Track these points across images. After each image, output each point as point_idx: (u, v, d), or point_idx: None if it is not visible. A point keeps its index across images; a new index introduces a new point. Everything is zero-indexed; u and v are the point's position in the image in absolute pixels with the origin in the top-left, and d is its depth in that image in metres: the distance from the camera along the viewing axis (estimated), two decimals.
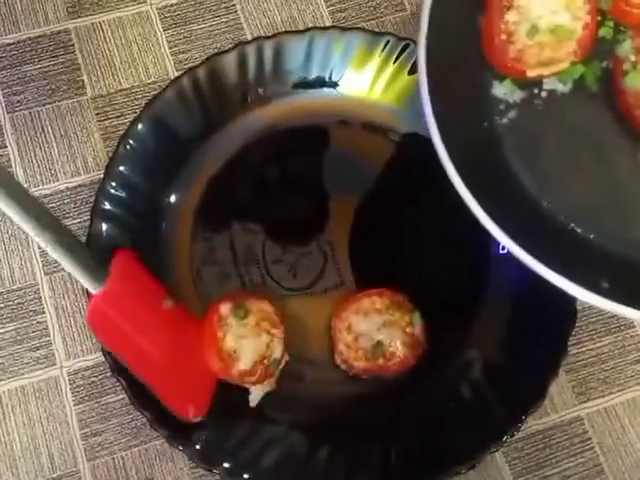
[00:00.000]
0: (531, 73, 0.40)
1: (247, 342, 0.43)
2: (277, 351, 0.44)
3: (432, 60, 0.36)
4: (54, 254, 0.36)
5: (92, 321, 0.40)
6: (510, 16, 0.40)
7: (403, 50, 0.49)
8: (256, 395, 0.44)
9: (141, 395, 0.42)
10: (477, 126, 0.40)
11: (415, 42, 0.48)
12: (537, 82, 0.41)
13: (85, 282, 0.38)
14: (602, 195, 0.39)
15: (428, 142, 0.49)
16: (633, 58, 0.39)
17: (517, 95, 0.41)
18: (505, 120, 0.40)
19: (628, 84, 0.39)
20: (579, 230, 0.38)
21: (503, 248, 0.47)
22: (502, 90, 0.41)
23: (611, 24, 0.40)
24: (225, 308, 0.44)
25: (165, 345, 0.42)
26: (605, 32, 0.40)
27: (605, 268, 0.36)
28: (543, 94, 0.41)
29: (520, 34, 0.40)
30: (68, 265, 0.37)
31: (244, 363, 0.43)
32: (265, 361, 0.43)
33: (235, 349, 0.43)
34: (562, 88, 0.41)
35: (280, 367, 0.44)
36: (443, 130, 0.35)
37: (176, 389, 0.42)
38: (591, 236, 0.38)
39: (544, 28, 0.39)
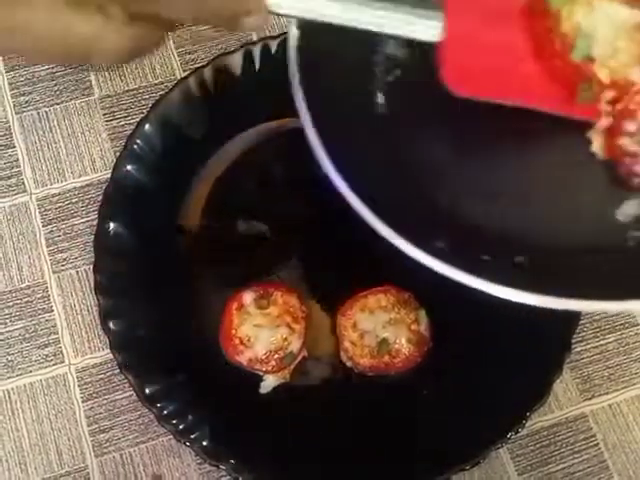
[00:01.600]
0: None
1: (264, 332, 0.44)
2: (294, 345, 0.44)
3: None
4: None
5: (452, 80, 0.33)
6: None
7: None
8: (268, 384, 0.45)
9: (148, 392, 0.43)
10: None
11: None
12: None
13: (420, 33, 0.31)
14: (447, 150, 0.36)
15: None
16: None
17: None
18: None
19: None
20: (424, 186, 0.35)
21: None
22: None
23: None
24: (248, 297, 0.45)
25: (535, 46, 0.33)
26: None
27: (443, 228, 0.34)
28: None
29: None
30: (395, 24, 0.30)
31: (256, 351, 0.44)
32: (280, 352, 0.44)
33: (250, 337, 0.44)
34: None
35: (296, 361, 0.45)
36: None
37: (565, 93, 0.34)
38: (434, 194, 0.35)
39: None
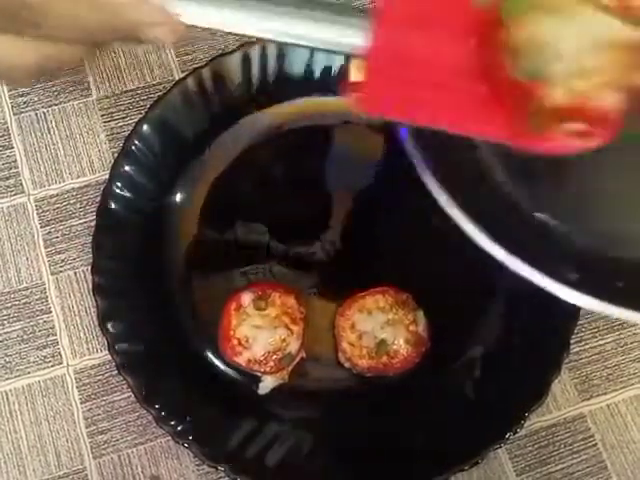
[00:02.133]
0: None
1: (262, 333, 0.44)
2: (292, 346, 0.44)
3: None
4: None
5: (367, 99, 0.29)
6: None
7: None
8: (267, 385, 0.45)
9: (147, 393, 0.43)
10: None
11: None
12: None
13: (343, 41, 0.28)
14: (572, 187, 0.36)
15: None
16: None
17: None
18: None
19: None
20: (550, 222, 0.35)
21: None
22: None
23: None
24: (247, 297, 0.45)
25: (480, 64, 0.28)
26: None
27: (573, 260, 0.34)
28: None
29: None
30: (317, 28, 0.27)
31: (254, 352, 0.44)
32: (278, 353, 0.44)
33: (248, 337, 0.44)
34: None
35: (294, 362, 0.45)
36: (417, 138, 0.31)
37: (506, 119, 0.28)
38: (561, 228, 0.35)
39: None
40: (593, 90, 0.26)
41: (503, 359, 0.45)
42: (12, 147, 0.50)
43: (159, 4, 0.26)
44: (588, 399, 0.47)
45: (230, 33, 0.28)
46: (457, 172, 0.33)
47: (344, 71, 0.29)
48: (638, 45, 0.26)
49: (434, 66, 0.28)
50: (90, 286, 0.45)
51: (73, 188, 0.50)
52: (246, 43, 0.49)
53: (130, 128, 0.48)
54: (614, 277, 0.32)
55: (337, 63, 0.49)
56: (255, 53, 0.48)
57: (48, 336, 0.47)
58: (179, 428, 0.42)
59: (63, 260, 0.48)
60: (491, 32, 0.27)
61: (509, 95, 0.27)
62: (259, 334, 0.44)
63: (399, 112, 0.29)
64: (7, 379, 0.46)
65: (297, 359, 0.45)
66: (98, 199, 0.47)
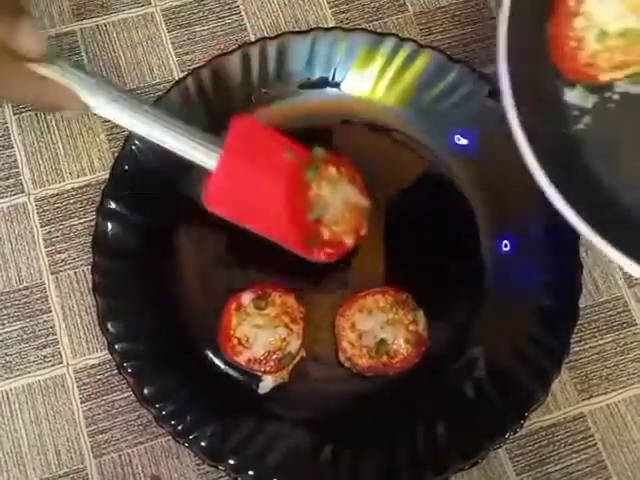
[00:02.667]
0: (603, 77, 0.40)
1: (262, 332, 0.44)
2: (293, 346, 0.44)
3: (511, 70, 0.36)
4: (165, 138, 0.41)
5: (211, 200, 0.42)
6: (578, 22, 0.39)
7: (405, 51, 0.49)
8: (267, 384, 0.45)
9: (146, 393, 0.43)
10: (554, 134, 0.40)
11: (417, 42, 0.49)
12: (609, 85, 0.41)
13: (200, 158, 0.42)
14: None
15: (431, 142, 0.50)
16: None
17: (590, 100, 0.41)
18: (581, 126, 0.41)
19: None
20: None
21: (506, 246, 0.48)
22: (575, 96, 0.41)
23: None
24: (247, 297, 0.45)
25: (288, 199, 0.43)
26: None
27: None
28: (616, 97, 0.41)
29: (589, 40, 0.39)
30: (181, 144, 0.41)
31: (254, 351, 0.44)
32: (279, 353, 0.44)
33: (248, 337, 0.44)
34: (634, 89, 0.41)
35: (294, 362, 0.45)
36: (529, 138, 0.36)
37: (298, 238, 0.44)
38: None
39: (613, 32, 0.39)
40: (341, 232, 0.45)
41: (503, 359, 0.45)
42: (12, 147, 0.50)
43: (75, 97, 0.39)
44: (588, 399, 0.47)
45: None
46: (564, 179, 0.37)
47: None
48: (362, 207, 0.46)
49: (258, 194, 0.43)
50: (90, 286, 0.45)
51: (73, 188, 0.50)
52: (245, 43, 0.49)
53: None
54: None
55: (336, 62, 0.49)
56: (254, 53, 0.49)
57: (48, 336, 0.47)
58: (179, 427, 0.43)
59: (63, 260, 0.48)
60: (297, 183, 0.44)
61: (303, 226, 0.44)
62: (259, 334, 0.44)
63: (232, 215, 0.43)
64: (7, 379, 0.46)
65: (297, 358, 0.45)
66: (98, 199, 0.47)
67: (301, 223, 0.44)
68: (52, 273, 0.48)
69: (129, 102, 0.40)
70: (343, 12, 0.54)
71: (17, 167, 0.50)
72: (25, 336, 0.47)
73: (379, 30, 0.52)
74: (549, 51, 0.40)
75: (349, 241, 0.45)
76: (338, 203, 0.45)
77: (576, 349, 0.47)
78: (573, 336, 0.45)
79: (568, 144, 0.40)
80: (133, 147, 0.47)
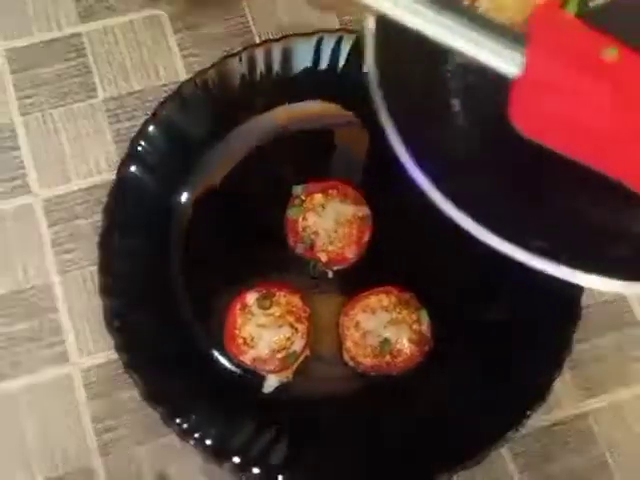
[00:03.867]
0: None
1: (267, 332, 0.44)
2: (297, 345, 0.45)
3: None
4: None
5: (519, 117, 0.32)
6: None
7: None
8: (271, 383, 0.45)
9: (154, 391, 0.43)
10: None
11: None
12: None
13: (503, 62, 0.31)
14: None
15: None
16: None
17: None
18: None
19: None
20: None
21: None
22: None
23: None
24: (251, 297, 0.45)
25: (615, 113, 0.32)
26: None
27: (541, 227, 0.33)
28: None
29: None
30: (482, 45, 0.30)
31: (259, 351, 0.44)
32: (283, 352, 0.44)
33: (253, 336, 0.44)
34: None
35: (298, 361, 0.45)
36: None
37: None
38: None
39: None
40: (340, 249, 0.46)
41: (505, 358, 0.45)
42: (19, 148, 0.51)
43: None
44: (590, 398, 0.47)
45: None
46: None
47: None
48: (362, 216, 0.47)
49: (577, 103, 0.31)
50: (97, 286, 0.46)
51: (80, 189, 0.50)
52: (250, 45, 0.49)
53: (136, 129, 0.48)
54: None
55: (340, 64, 0.49)
56: (260, 55, 0.49)
57: (55, 335, 0.47)
58: (185, 426, 0.43)
59: (70, 260, 0.48)
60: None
61: None
62: (264, 333, 0.45)
63: (546, 138, 0.32)
64: (15, 377, 0.46)
65: (301, 358, 0.46)
66: (104, 200, 0.47)
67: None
68: (59, 273, 0.48)
69: None
70: (348, 14, 0.54)
71: (24, 168, 0.50)
72: (32, 335, 0.47)
73: None
74: None
75: (350, 254, 0.47)
76: (330, 225, 0.46)
77: (578, 348, 0.47)
78: (575, 335, 0.45)
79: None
80: (139, 148, 0.47)
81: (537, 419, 0.46)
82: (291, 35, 0.50)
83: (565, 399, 0.47)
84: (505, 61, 0.31)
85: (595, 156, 0.32)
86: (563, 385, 0.47)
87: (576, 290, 0.46)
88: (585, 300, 0.47)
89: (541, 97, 0.32)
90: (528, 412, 0.43)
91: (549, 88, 0.31)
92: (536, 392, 0.44)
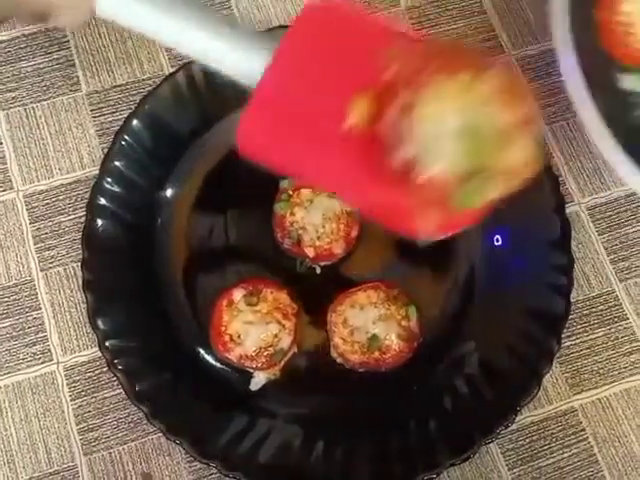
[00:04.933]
0: None
1: (254, 328, 0.44)
2: (284, 342, 0.44)
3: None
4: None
5: (244, 137, 0.29)
6: (625, 6, 0.38)
7: None
8: (259, 380, 0.45)
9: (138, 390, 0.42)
10: (618, 124, 0.39)
11: None
12: None
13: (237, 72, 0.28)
14: None
15: None
16: None
17: None
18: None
19: None
20: None
21: (497, 240, 0.48)
22: (631, 82, 0.39)
23: None
24: (238, 293, 0.45)
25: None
26: None
27: None
28: None
29: (639, 23, 0.38)
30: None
31: (246, 348, 0.44)
32: (270, 349, 0.44)
33: (240, 333, 0.44)
34: None
35: (286, 358, 0.45)
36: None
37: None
38: None
39: None
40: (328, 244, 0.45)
41: (494, 354, 0.45)
42: (0, 143, 0.50)
43: None
44: (579, 393, 0.47)
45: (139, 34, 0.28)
46: None
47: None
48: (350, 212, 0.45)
49: (314, 120, 0.27)
50: (80, 282, 0.45)
51: (62, 184, 0.49)
52: None
53: (120, 123, 0.48)
54: None
55: None
56: None
57: (38, 333, 0.46)
58: (170, 425, 0.42)
59: (53, 256, 0.48)
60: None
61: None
62: (251, 330, 0.44)
63: (265, 154, 0.30)
64: None
65: (289, 355, 0.45)
66: (88, 195, 0.46)
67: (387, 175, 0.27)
68: (41, 270, 0.47)
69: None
70: None
71: (5, 163, 0.49)
72: (14, 333, 0.46)
73: None
74: (599, 37, 0.39)
75: (338, 250, 0.46)
76: (318, 220, 0.46)
77: (567, 343, 0.47)
78: (564, 330, 0.45)
79: (632, 129, 0.39)
80: (123, 142, 0.47)
81: (527, 414, 0.46)
82: (277, 27, 0.49)
83: (554, 394, 0.47)
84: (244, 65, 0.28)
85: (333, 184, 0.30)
86: (552, 380, 0.47)
87: (566, 286, 0.46)
88: (574, 295, 0.47)
89: (279, 114, 0.29)
90: (518, 407, 0.43)
91: (289, 99, 0.28)
92: (525, 387, 0.44)
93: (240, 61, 0.28)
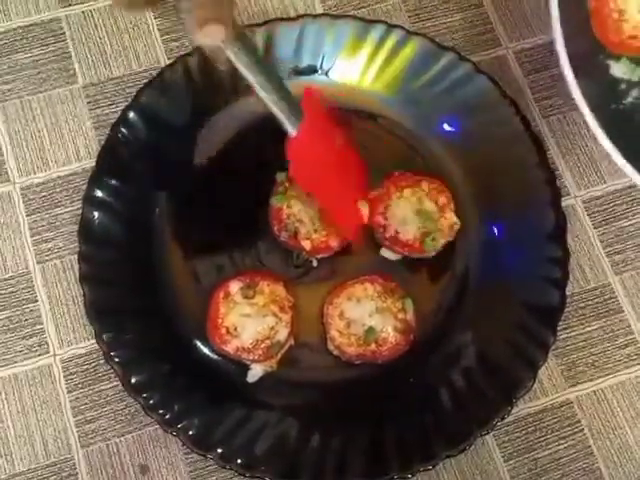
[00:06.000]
0: None
1: (250, 321, 0.44)
2: (281, 334, 0.44)
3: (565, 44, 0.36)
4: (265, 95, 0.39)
5: (293, 155, 0.42)
6: None
7: (394, 38, 0.49)
8: (255, 372, 0.45)
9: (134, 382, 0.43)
10: (605, 109, 0.39)
11: (405, 29, 0.49)
12: None
13: (288, 121, 0.41)
14: None
15: (418, 129, 0.50)
16: None
17: (637, 73, 0.40)
18: (630, 99, 0.40)
19: None
20: None
21: (493, 233, 0.48)
22: (621, 69, 0.40)
23: None
24: (235, 286, 0.45)
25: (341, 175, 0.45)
26: None
27: None
28: None
29: (632, 12, 0.39)
30: (276, 105, 0.40)
31: (243, 340, 0.44)
32: (267, 341, 0.44)
33: (236, 326, 0.44)
34: None
35: (283, 350, 0.45)
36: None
37: (346, 214, 0.46)
38: None
39: None
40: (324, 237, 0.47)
41: (490, 346, 0.45)
42: None
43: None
44: (575, 385, 0.47)
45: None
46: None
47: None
48: None
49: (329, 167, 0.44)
50: (77, 275, 0.45)
51: (59, 176, 0.49)
52: None
53: (116, 115, 0.48)
54: None
55: (324, 49, 0.49)
56: None
57: (34, 325, 0.46)
58: (167, 416, 0.42)
59: (49, 249, 0.48)
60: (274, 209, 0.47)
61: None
62: (247, 322, 0.44)
63: (307, 187, 0.45)
64: None
65: (286, 347, 0.45)
66: (84, 187, 0.46)
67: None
68: (38, 262, 0.47)
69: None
70: None
71: (2, 155, 0.49)
72: (11, 326, 0.46)
73: (367, 17, 0.51)
74: (592, 25, 0.40)
75: (335, 243, 0.46)
76: (315, 214, 0.46)
77: (563, 336, 0.48)
78: (560, 323, 0.45)
79: (621, 116, 0.40)
80: (119, 135, 0.47)
81: (522, 406, 0.46)
82: (274, 20, 0.49)
83: (550, 386, 0.47)
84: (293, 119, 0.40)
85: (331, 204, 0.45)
86: (548, 373, 0.47)
87: (561, 279, 0.46)
88: (570, 288, 0.47)
89: (312, 153, 0.43)
90: (513, 400, 0.43)
91: (317, 149, 0.43)
92: (521, 380, 0.44)
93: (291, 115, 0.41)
